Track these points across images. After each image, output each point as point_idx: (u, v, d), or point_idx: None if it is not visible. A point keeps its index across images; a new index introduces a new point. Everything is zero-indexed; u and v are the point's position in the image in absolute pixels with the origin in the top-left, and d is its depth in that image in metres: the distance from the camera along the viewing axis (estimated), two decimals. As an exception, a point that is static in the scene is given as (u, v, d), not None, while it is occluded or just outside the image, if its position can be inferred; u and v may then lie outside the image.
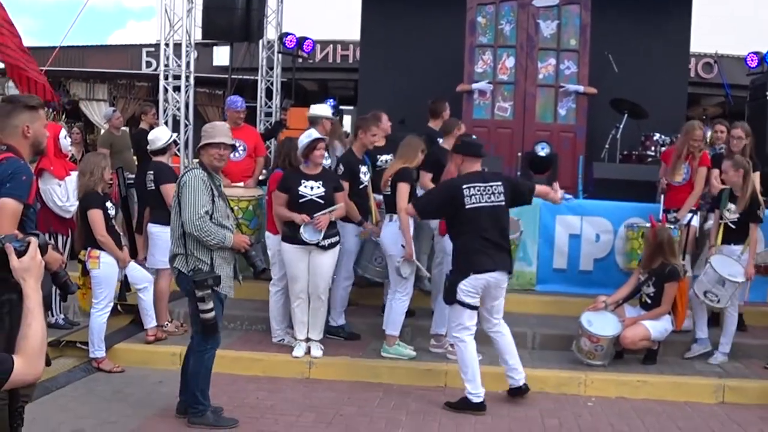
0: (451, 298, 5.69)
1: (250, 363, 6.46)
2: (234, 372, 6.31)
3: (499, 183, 5.74)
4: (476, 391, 5.67)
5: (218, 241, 5.04)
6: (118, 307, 7.31)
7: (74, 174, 6.83)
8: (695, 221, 7.48)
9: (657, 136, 9.85)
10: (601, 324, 6.51)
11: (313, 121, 7.62)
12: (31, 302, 2.29)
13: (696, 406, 6.06)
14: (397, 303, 6.54)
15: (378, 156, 7.61)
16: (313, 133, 6.48)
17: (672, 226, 7.17)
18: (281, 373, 6.37)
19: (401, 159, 6.57)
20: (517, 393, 5.89)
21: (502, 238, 5.75)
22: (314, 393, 6.00)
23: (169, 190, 6.71)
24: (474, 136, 6.89)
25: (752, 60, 12.36)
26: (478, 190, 5.64)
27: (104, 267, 6.26)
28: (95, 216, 6.20)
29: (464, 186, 5.65)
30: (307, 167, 6.43)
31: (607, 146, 9.81)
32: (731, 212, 6.77)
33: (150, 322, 6.76)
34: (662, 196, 7.80)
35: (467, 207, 5.61)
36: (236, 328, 7.24)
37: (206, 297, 4.99)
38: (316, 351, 6.52)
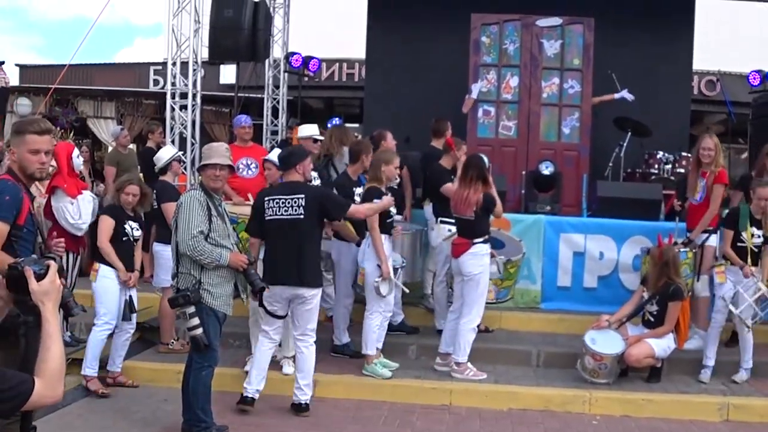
0: (260, 302, 5.77)
1: (255, 381, 6.49)
2: (239, 390, 6.30)
3: (302, 195, 5.63)
4: (249, 386, 5.84)
5: (212, 260, 5.12)
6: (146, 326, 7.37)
7: (86, 192, 6.90)
8: (713, 241, 7.19)
9: (660, 154, 9.88)
10: (605, 342, 6.53)
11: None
12: (50, 326, 2.32)
13: (701, 424, 6.06)
14: (369, 321, 6.56)
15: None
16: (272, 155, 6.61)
17: (684, 249, 7.07)
18: (286, 392, 6.34)
19: (370, 180, 6.68)
20: (299, 409, 5.86)
21: (298, 251, 5.63)
22: (319, 411, 6.00)
23: (168, 208, 6.79)
24: (483, 155, 6.95)
25: (754, 78, 12.47)
26: (277, 203, 5.63)
27: (101, 281, 6.21)
28: (104, 223, 6.22)
29: (266, 198, 5.70)
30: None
31: (610, 164, 9.84)
32: (755, 236, 6.64)
33: (88, 368, 6.23)
34: (664, 215, 7.74)
35: (266, 219, 5.66)
36: (242, 346, 7.25)
37: (188, 315, 5.08)
38: (287, 368, 6.58)
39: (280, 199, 5.66)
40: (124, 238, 6.30)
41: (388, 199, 6.34)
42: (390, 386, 6.43)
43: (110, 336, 6.32)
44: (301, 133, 7.96)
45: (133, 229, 6.37)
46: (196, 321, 5.07)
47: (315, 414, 5.93)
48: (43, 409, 3.23)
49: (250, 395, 5.84)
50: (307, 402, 5.88)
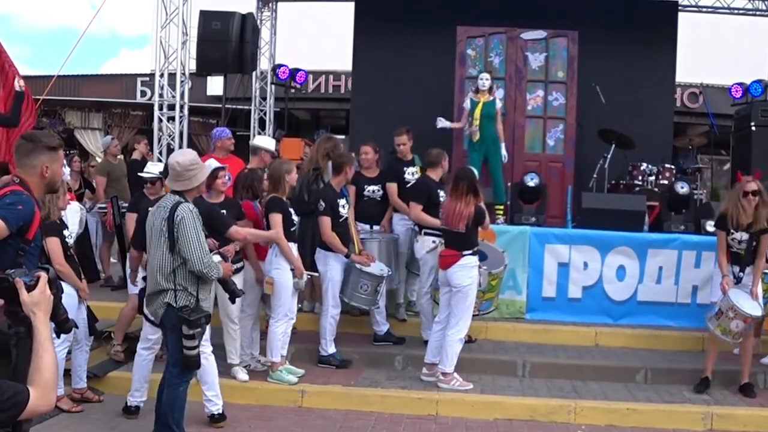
0: (140, 310, 5.77)
1: (242, 391, 6.49)
2: (227, 400, 6.31)
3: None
4: (132, 397, 5.93)
5: (216, 273, 5.07)
6: (111, 335, 7.35)
7: (73, 203, 6.86)
8: None
9: (644, 165, 10.00)
10: (747, 303, 6.51)
11: (253, 152, 7.71)
12: (41, 335, 2.36)
13: (684, 433, 6.13)
14: (274, 328, 6.54)
15: (365, 186, 7.76)
16: (213, 163, 6.57)
17: None
18: (274, 402, 6.40)
19: (271, 191, 6.62)
20: (212, 420, 5.79)
21: None
22: (306, 422, 6.03)
23: (127, 218, 7.15)
24: (473, 167, 6.99)
25: (736, 91, 12.60)
26: None
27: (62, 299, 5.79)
28: (53, 244, 5.67)
29: (150, 209, 5.59)
30: (210, 196, 6.38)
31: (595, 176, 9.93)
32: None
33: (78, 382, 6.29)
34: (648, 226, 7.79)
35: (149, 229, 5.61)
36: (219, 356, 7.25)
37: (195, 335, 4.97)
38: (242, 375, 6.59)
39: None
40: (69, 252, 5.95)
41: (273, 233, 6.36)
42: (377, 396, 6.45)
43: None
44: (259, 143, 7.89)
45: (69, 237, 6.05)
46: (195, 342, 4.96)
47: (302, 424, 5.96)
48: (32, 422, 3.24)
49: (134, 404, 5.90)
50: (219, 412, 5.79)
